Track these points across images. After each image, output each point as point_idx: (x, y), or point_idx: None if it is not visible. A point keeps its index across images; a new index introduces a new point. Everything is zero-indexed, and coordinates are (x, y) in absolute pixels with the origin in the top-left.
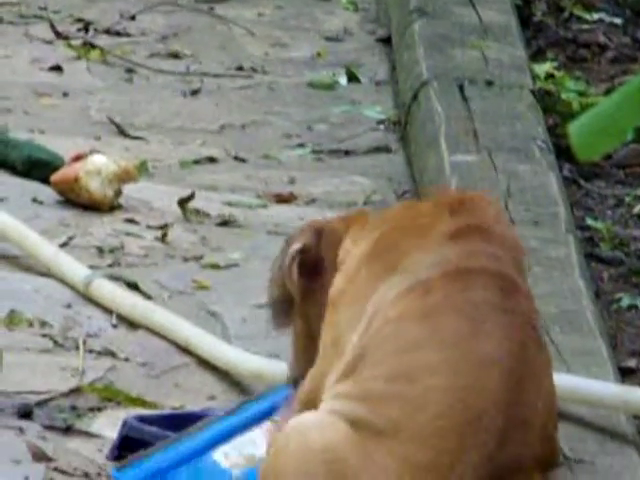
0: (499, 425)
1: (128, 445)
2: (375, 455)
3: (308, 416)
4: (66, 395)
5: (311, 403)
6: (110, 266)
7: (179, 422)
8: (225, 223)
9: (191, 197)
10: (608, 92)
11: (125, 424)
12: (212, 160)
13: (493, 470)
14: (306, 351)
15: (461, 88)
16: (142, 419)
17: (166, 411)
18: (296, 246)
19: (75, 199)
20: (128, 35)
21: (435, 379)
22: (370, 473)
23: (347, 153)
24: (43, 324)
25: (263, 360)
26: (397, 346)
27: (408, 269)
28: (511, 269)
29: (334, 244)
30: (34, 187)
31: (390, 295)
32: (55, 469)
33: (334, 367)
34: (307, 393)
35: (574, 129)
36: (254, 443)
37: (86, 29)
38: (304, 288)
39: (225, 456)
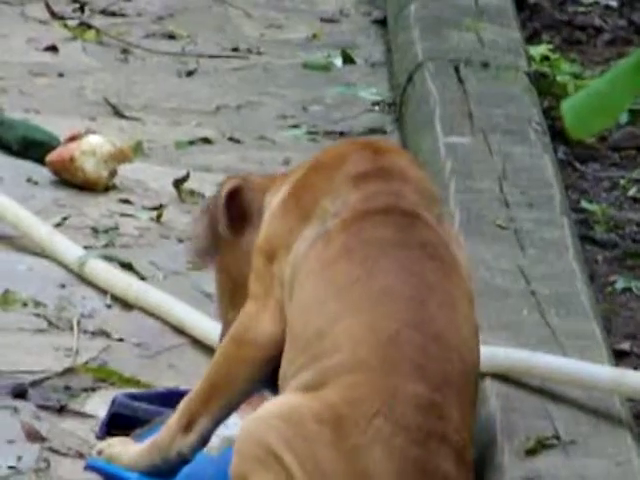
0: (418, 341)
1: (117, 423)
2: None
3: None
4: (60, 375)
5: (241, 342)
6: (105, 246)
7: (168, 400)
8: None
9: (186, 178)
10: (603, 74)
11: (114, 401)
12: (207, 141)
13: (427, 382)
14: (231, 296)
15: (456, 70)
16: (131, 396)
17: (155, 389)
18: (228, 188)
19: (70, 179)
20: (124, 15)
21: (341, 325)
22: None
23: (342, 134)
24: (37, 304)
25: None
26: (305, 307)
27: (316, 217)
28: (414, 204)
29: (258, 195)
30: (29, 167)
31: (302, 249)
32: (49, 449)
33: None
34: (238, 329)
35: (567, 108)
36: (226, 426)
37: (82, 9)
38: (232, 234)
39: None
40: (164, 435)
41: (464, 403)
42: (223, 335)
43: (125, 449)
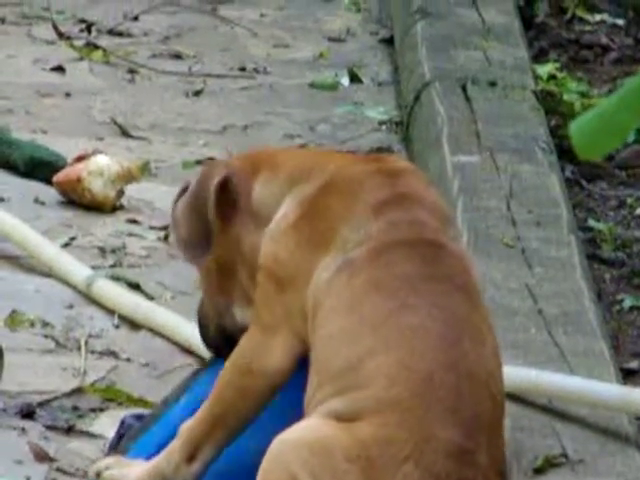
0: (452, 382)
1: None
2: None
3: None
4: (68, 395)
5: (249, 372)
6: (112, 266)
7: None
8: None
9: None
10: (610, 93)
11: (123, 422)
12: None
13: (460, 428)
14: (216, 287)
15: (464, 89)
16: (140, 417)
17: None
18: (219, 177)
19: (77, 199)
20: (131, 36)
21: (374, 360)
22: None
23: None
24: (45, 324)
25: None
26: (334, 338)
27: (335, 246)
28: (435, 232)
29: (245, 183)
30: (36, 187)
31: (323, 278)
32: (57, 469)
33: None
34: (244, 358)
35: (575, 128)
36: None
37: (89, 29)
38: (221, 225)
39: None
40: (167, 464)
41: (493, 442)
42: (202, 325)
43: (125, 473)
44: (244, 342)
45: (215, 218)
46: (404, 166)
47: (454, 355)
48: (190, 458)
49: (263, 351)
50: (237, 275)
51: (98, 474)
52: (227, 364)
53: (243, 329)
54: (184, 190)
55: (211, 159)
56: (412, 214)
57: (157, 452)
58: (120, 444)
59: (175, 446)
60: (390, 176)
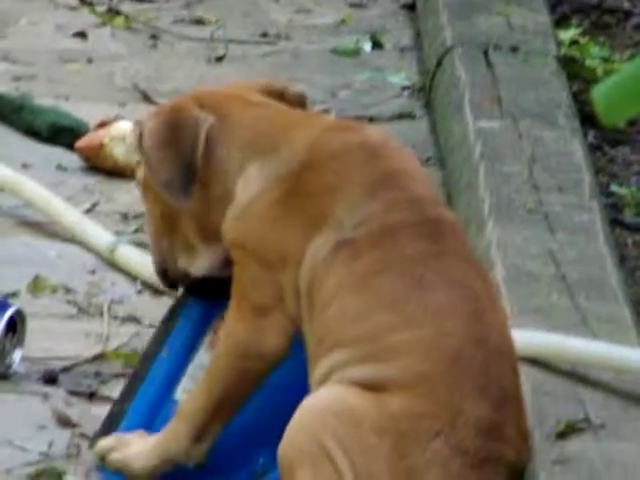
0: (480, 358)
1: None
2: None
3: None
4: (91, 361)
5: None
6: (135, 232)
7: None
8: None
9: None
10: (632, 58)
11: (127, 383)
12: None
13: (489, 403)
14: (161, 231)
15: (485, 54)
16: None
17: None
18: (209, 122)
19: (100, 165)
20: (152, 1)
21: (397, 335)
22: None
23: (371, 119)
24: (67, 290)
25: None
26: (347, 316)
27: (329, 226)
28: (435, 207)
29: (233, 145)
30: (59, 153)
31: (319, 257)
32: (80, 435)
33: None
34: (240, 341)
35: (598, 94)
36: (204, 366)
37: None
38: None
39: (185, 392)
40: (176, 448)
41: (520, 412)
42: (158, 265)
43: (131, 456)
44: (235, 324)
45: (201, 166)
46: (380, 137)
47: (480, 330)
48: (198, 439)
49: (258, 333)
50: (182, 225)
51: (102, 458)
52: (221, 346)
53: (185, 275)
54: (141, 128)
55: None
56: (408, 192)
57: (150, 414)
58: (111, 409)
59: (180, 430)
60: (371, 151)
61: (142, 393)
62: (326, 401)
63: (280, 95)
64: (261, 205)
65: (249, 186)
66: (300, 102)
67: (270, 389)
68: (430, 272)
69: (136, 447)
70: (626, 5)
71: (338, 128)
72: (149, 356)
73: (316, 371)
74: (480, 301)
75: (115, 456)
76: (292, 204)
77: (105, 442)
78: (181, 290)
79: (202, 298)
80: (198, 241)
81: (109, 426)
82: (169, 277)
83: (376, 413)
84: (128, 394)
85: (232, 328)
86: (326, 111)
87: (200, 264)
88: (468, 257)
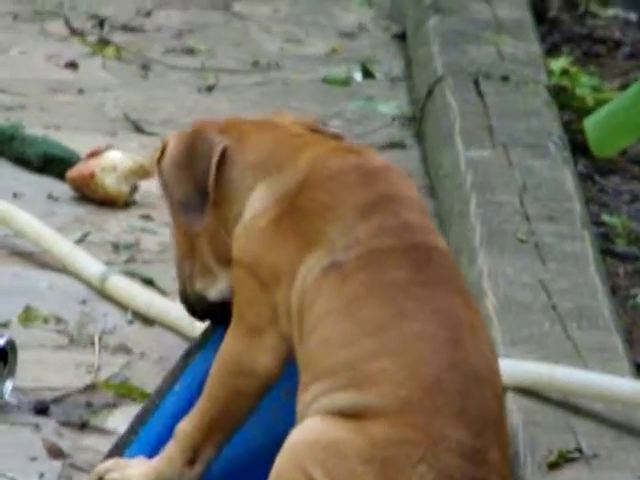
0: (459, 384)
1: None
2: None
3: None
4: (82, 391)
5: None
6: (126, 262)
7: None
8: None
9: None
10: (623, 88)
11: (138, 416)
12: None
13: (469, 428)
14: (182, 253)
15: (476, 83)
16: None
17: None
18: (222, 145)
19: (91, 195)
20: (143, 31)
21: (377, 362)
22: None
23: None
24: (59, 320)
25: None
26: (330, 341)
27: (321, 247)
28: (424, 234)
29: (246, 171)
30: (50, 183)
31: (309, 279)
32: (71, 465)
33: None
34: (234, 359)
35: (590, 125)
36: None
37: (101, 25)
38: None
39: None
40: (170, 470)
41: (501, 438)
42: (181, 293)
43: (127, 477)
44: (231, 343)
45: (214, 187)
46: (382, 163)
47: (458, 357)
48: (192, 462)
49: (252, 353)
50: (199, 247)
51: (100, 478)
52: (216, 366)
53: (201, 298)
54: (163, 150)
55: None
56: (399, 217)
57: (157, 445)
58: (119, 438)
59: (175, 451)
60: (370, 174)
61: (150, 425)
62: (312, 434)
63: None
64: (259, 224)
65: (253, 205)
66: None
67: (260, 420)
68: (412, 300)
69: (134, 469)
70: (616, 35)
71: (340, 150)
72: (162, 390)
73: (302, 397)
74: (462, 329)
75: (113, 476)
76: (288, 223)
77: (104, 464)
78: (201, 329)
79: (222, 325)
80: (214, 263)
81: (114, 455)
82: (191, 304)
83: (360, 442)
84: (137, 426)
85: (227, 346)
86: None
87: (217, 287)
88: (454, 285)
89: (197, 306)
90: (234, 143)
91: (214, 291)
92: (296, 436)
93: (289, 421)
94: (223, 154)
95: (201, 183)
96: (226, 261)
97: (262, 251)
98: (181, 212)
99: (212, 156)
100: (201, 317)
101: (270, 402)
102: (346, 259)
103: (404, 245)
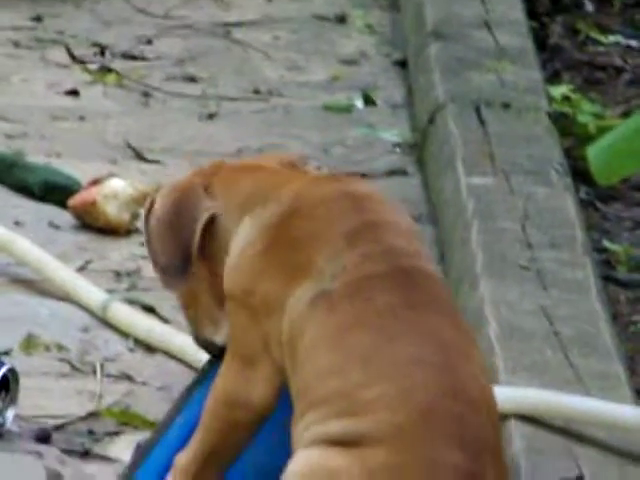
0: (453, 409)
1: None
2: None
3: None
4: (84, 419)
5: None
6: (127, 290)
7: None
8: None
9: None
10: (624, 115)
11: (138, 447)
12: None
13: (465, 453)
14: (187, 302)
15: (477, 111)
16: None
17: None
18: (208, 214)
19: (92, 223)
20: (144, 59)
21: (370, 390)
22: None
23: (364, 176)
24: (60, 348)
25: None
26: (321, 372)
27: (310, 276)
28: (411, 258)
29: (232, 221)
30: (51, 211)
31: (298, 309)
32: None
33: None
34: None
35: (592, 153)
36: None
37: (102, 53)
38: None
39: None
40: None
41: (499, 461)
42: (197, 338)
43: None
44: (225, 375)
45: (197, 252)
46: (366, 190)
47: (450, 381)
48: None
49: (245, 384)
50: (199, 295)
51: None
52: (211, 397)
53: (211, 342)
54: (151, 207)
55: None
56: (385, 244)
57: (159, 477)
58: (124, 472)
59: None
60: (355, 201)
61: (154, 457)
62: (308, 464)
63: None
64: (247, 256)
65: (239, 240)
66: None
67: (257, 450)
68: (401, 324)
69: None
70: (617, 61)
71: (324, 179)
72: (166, 422)
73: (296, 426)
74: (453, 351)
75: None
76: (275, 253)
77: None
78: (206, 360)
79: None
80: (216, 309)
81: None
82: (205, 347)
83: (356, 470)
84: (140, 457)
85: (222, 378)
86: (318, 168)
87: (223, 332)
88: (443, 308)
89: (210, 349)
90: (220, 198)
91: (220, 337)
92: (292, 468)
93: (288, 450)
94: (210, 220)
95: (184, 249)
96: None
97: (251, 282)
98: (162, 276)
99: (197, 225)
100: (219, 357)
101: (270, 430)
102: (334, 288)
103: (391, 270)
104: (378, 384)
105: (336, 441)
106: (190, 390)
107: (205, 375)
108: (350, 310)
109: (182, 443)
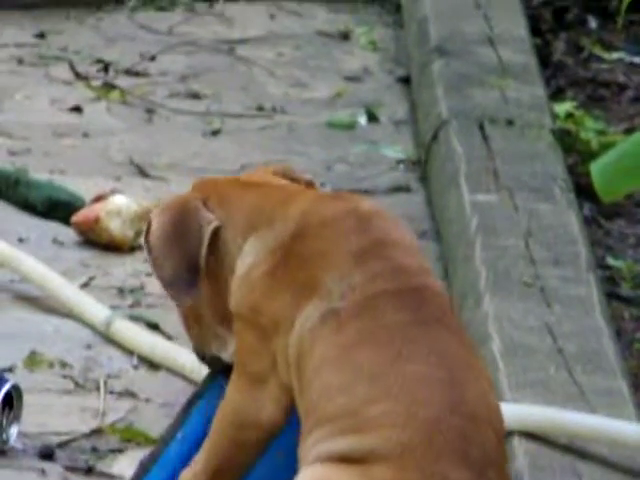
0: (458, 425)
1: None
2: None
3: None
4: (87, 436)
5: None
6: (131, 306)
7: None
8: None
9: None
10: (628, 131)
11: (142, 464)
12: None
13: (470, 469)
14: (190, 321)
15: (481, 127)
16: None
17: None
18: (213, 225)
19: (96, 240)
20: (148, 75)
21: (376, 407)
22: None
23: (367, 192)
24: (64, 365)
25: None
26: (328, 390)
27: (318, 295)
28: (418, 276)
29: (237, 237)
30: (55, 228)
31: (307, 327)
32: None
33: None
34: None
35: (596, 170)
36: None
37: (106, 69)
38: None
39: None
40: None
41: (504, 477)
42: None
43: None
44: (233, 395)
45: (204, 264)
46: (371, 207)
47: (457, 398)
48: None
49: (254, 403)
50: (203, 314)
51: None
52: (219, 417)
53: (217, 359)
54: (149, 227)
55: None
56: (393, 262)
57: None
58: None
59: None
60: (362, 219)
61: (154, 473)
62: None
63: (291, 179)
64: (255, 275)
65: (245, 260)
66: (309, 185)
67: (261, 470)
68: (409, 342)
69: None
70: (621, 78)
71: (329, 198)
72: (166, 438)
73: (303, 444)
74: (459, 368)
75: None
76: (283, 273)
77: None
78: (205, 374)
79: (222, 373)
80: (220, 327)
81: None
82: (210, 365)
83: None
84: (141, 473)
85: (230, 398)
86: (322, 185)
87: (228, 350)
88: (450, 326)
89: (213, 365)
90: (220, 210)
91: (226, 354)
92: None
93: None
94: (214, 233)
95: (191, 261)
96: (231, 323)
97: (259, 301)
98: (170, 290)
99: (202, 238)
100: (225, 374)
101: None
102: (343, 306)
103: (400, 288)
104: (385, 401)
105: (342, 458)
106: (190, 404)
107: (203, 391)
108: (359, 328)
109: (182, 458)
